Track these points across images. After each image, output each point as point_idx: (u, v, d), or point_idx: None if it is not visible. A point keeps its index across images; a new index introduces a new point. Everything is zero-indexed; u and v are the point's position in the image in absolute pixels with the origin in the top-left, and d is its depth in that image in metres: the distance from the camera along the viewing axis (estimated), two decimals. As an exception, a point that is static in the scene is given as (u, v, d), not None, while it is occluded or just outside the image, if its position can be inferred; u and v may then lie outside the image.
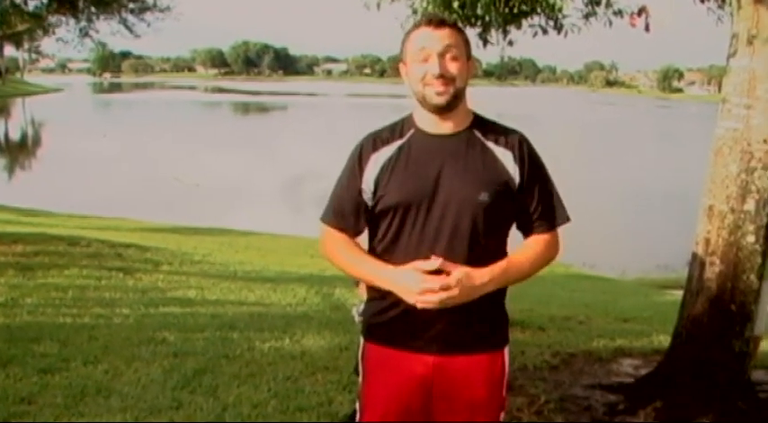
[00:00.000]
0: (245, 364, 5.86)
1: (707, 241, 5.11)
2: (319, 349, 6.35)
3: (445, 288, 2.55)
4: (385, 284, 2.69)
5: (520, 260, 2.78)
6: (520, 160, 2.73)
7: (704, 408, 4.90)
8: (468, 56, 2.74)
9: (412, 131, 2.78)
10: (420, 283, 2.57)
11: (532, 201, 2.77)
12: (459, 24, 2.84)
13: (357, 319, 4.23)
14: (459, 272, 2.58)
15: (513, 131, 2.81)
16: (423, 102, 2.72)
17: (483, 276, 2.64)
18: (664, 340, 6.06)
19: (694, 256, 5.25)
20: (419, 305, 2.58)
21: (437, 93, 2.65)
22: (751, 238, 4.93)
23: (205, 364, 5.83)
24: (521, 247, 2.82)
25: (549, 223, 2.82)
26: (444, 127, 2.74)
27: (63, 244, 11.49)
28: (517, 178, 2.73)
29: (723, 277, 5.01)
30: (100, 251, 11.31)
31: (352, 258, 2.82)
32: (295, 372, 5.70)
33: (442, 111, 2.70)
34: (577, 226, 2.94)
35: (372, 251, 2.83)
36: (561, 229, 2.87)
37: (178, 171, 33.03)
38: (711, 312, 5.08)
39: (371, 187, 2.76)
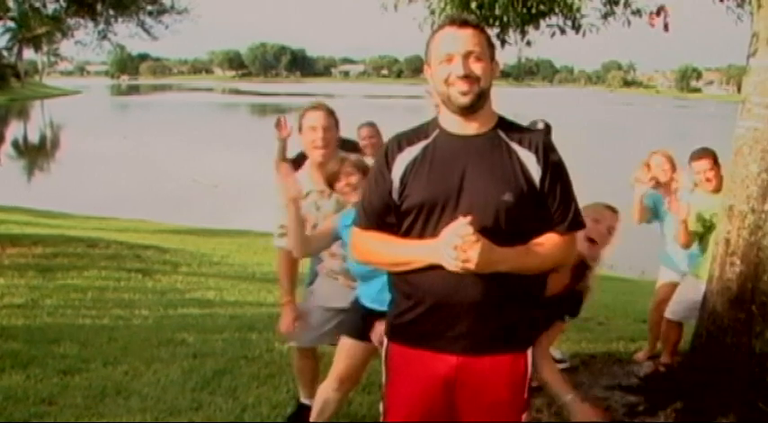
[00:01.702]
0: (265, 365, 5.88)
1: (727, 241, 5.08)
2: (338, 350, 6.34)
3: (468, 244, 2.52)
4: (426, 258, 2.67)
5: (538, 248, 2.76)
6: (543, 162, 2.73)
7: (724, 408, 4.87)
8: (492, 57, 2.75)
9: (437, 132, 2.79)
10: (453, 244, 2.54)
11: (552, 203, 2.77)
12: (479, 25, 2.83)
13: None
14: (483, 239, 2.55)
15: (537, 134, 2.81)
16: (447, 102, 2.73)
17: (503, 253, 2.63)
18: (684, 341, 6.03)
19: (715, 256, 5.22)
20: (457, 268, 2.56)
21: (461, 92, 2.66)
22: (772, 239, 4.89)
23: (224, 365, 5.85)
24: (539, 238, 2.80)
25: (564, 227, 2.81)
26: (469, 128, 2.75)
27: (82, 245, 11.56)
28: (538, 180, 2.72)
29: (744, 277, 4.98)
30: (119, 252, 11.37)
31: (388, 246, 2.80)
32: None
33: (467, 111, 2.71)
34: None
35: None
36: (579, 235, 2.86)
37: (196, 172, 33.12)
38: (732, 313, 5.04)
39: (398, 187, 2.77)
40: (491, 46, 2.76)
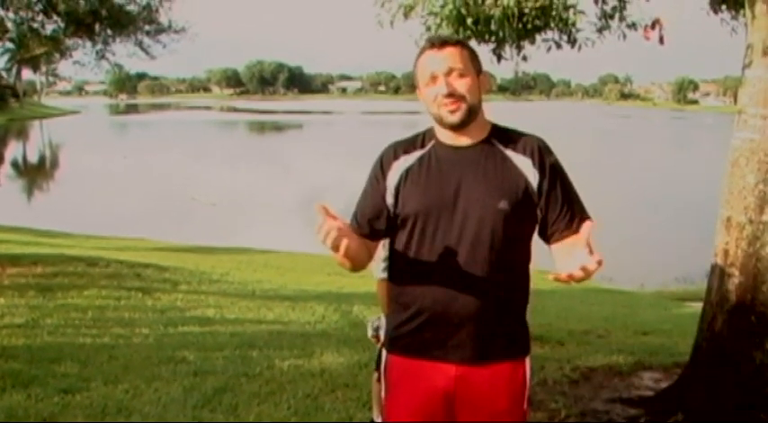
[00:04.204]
0: (265, 383, 5.87)
1: (726, 253, 5.09)
2: (339, 366, 6.35)
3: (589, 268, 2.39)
4: None
5: None
6: (539, 165, 2.74)
7: (725, 420, 4.87)
8: (479, 71, 2.77)
9: (432, 143, 2.82)
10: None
11: (554, 206, 2.76)
12: (473, 41, 2.87)
13: (370, 333, 4.27)
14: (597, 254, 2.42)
15: (532, 137, 2.82)
16: (440, 122, 2.76)
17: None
18: (684, 353, 6.03)
19: (713, 267, 5.23)
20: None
21: (450, 111, 2.69)
22: (770, 249, 4.90)
23: (225, 382, 5.84)
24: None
25: (573, 228, 2.75)
26: (463, 140, 2.77)
27: (82, 265, 11.54)
28: (536, 183, 2.73)
29: (743, 289, 4.99)
30: (119, 271, 11.35)
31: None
32: (315, 389, 5.70)
33: (458, 128, 2.73)
34: (595, 239, 2.94)
35: (394, 258, 2.85)
36: None
37: (195, 191, 33.19)
38: (731, 324, 5.05)
39: (392, 194, 2.79)
40: (475, 59, 2.78)
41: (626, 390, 5.80)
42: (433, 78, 2.71)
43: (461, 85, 2.69)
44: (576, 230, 2.70)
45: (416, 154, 2.81)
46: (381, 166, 2.83)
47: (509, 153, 2.77)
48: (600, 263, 2.37)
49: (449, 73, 2.69)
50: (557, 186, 2.77)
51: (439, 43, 2.74)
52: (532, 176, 2.74)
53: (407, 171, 2.79)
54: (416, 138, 2.87)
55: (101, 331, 7.60)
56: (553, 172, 2.77)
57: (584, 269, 2.37)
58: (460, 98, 2.69)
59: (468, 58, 2.75)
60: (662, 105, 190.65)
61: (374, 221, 2.83)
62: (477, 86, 2.74)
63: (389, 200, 2.80)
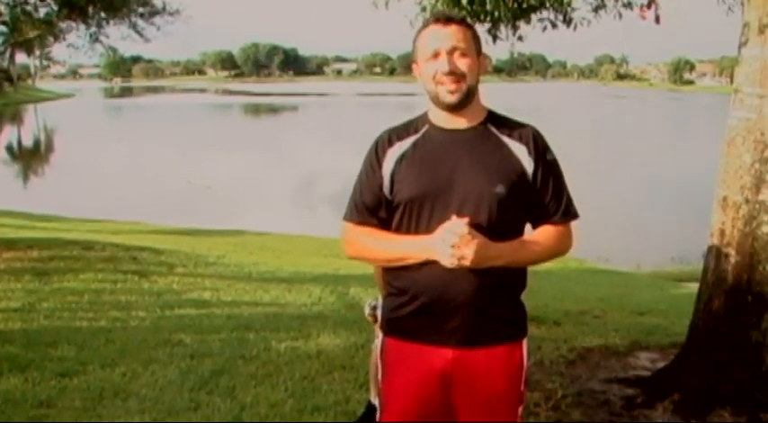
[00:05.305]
0: (262, 365, 5.87)
1: (722, 232, 5.08)
2: (335, 348, 6.35)
3: (464, 242, 2.54)
4: (421, 254, 2.67)
5: (532, 242, 2.80)
6: (535, 153, 2.76)
7: (722, 400, 4.88)
8: (479, 52, 2.76)
9: (426, 127, 2.81)
10: (451, 241, 2.56)
11: (545, 195, 2.79)
12: (469, 21, 2.85)
13: (367, 311, 4.27)
14: (479, 236, 2.58)
15: (527, 126, 2.83)
16: (436, 100, 2.74)
17: (498, 249, 2.65)
18: (680, 333, 6.03)
19: (710, 247, 5.23)
20: (453, 265, 2.58)
21: (449, 91, 2.68)
22: (766, 229, 4.89)
23: (222, 364, 5.85)
24: (534, 232, 2.85)
25: (561, 216, 2.83)
26: (458, 122, 2.76)
27: (78, 248, 11.52)
28: (530, 171, 2.74)
29: (739, 268, 4.98)
30: (115, 255, 11.34)
31: (382, 242, 2.80)
32: (312, 371, 5.70)
33: (455, 108, 2.72)
34: (591, 220, 2.95)
35: None
36: (574, 224, 2.88)
37: (190, 174, 33.12)
38: (728, 304, 5.05)
39: (388, 182, 2.78)
40: (477, 41, 2.78)
41: (622, 370, 5.81)
42: (435, 54, 2.69)
43: (463, 65, 2.68)
44: (564, 221, 2.84)
45: (410, 139, 2.80)
46: (377, 155, 2.82)
47: (505, 139, 2.77)
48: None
49: (452, 51, 2.67)
50: (549, 178, 2.79)
51: (444, 19, 2.73)
52: (527, 164, 2.75)
53: (402, 156, 2.78)
54: (410, 123, 2.86)
55: (97, 315, 7.60)
56: (547, 162, 2.79)
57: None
58: (461, 77, 2.67)
59: (472, 38, 2.74)
60: (658, 86, 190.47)
61: (377, 212, 2.82)
62: (477, 68, 2.73)
63: (386, 188, 2.79)
